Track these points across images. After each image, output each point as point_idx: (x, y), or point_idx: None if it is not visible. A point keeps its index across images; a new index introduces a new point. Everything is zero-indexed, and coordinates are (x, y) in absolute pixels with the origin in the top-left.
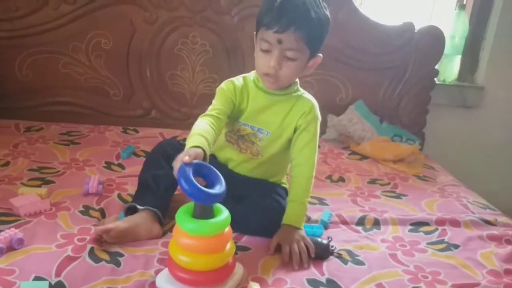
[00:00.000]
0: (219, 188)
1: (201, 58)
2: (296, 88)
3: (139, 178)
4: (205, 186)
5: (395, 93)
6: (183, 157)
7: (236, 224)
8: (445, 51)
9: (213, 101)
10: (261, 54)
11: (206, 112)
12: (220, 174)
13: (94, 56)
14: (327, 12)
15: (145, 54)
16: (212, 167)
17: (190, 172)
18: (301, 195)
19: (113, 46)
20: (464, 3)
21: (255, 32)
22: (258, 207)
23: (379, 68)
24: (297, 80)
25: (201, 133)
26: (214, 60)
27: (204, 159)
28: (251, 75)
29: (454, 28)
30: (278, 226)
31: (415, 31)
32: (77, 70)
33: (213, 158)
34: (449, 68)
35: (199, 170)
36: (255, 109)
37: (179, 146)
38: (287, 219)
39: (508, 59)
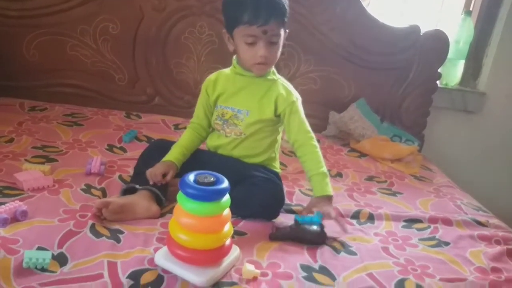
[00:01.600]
0: (224, 182)
1: (207, 48)
2: (271, 71)
3: (135, 167)
4: (210, 184)
5: (398, 94)
6: (154, 171)
7: (236, 206)
8: (449, 55)
9: (196, 105)
10: (247, 47)
11: (192, 121)
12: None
13: (101, 40)
14: None
15: (152, 41)
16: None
17: (191, 180)
18: (317, 166)
19: (121, 31)
20: (471, 9)
21: (225, 30)
22: (256, 187)
23: (383, 68)
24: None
25: (181, 148)
26: (220, 50)
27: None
28: (227, 68)
29: (459, 33)
30: (277, 206)
31: (421, 34)
32: (84, 53)
33: (203, 150)
34: (452, 72)
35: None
36: (232, 91)
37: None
38: (316, 191)
39: (511, 66)
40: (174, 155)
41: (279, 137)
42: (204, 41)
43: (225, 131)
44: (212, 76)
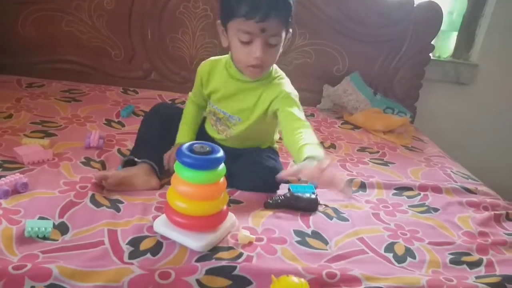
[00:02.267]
0: (219, 152)
1: (202, 22)
2: (269, 73)
3: (137, 135)
4: (206, 153)
5: (391, 66)
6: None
7: (236, 181)
8: (442, 27)
9: (194, 83)
10: (241, 46)
11: (191, 97)
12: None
13: (96, 16)
14: None
15: (147, 16)
16: (204, 142)
17: (187, 149)
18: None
19: (116, 7)
20: None
21: (219, 21)
22: (256, 164)
23: (377, 41)
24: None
25: (189, 126)
26: (215, 25)
27: None
28: (225, 59)
29: (452, 4)
30: (271, 189)
31: (414, 5)
32: (80, 29)
33: (206, 135)
34: (445, 44)
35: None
36: (225, 94)
37: (176, 109)
38: (309, 153)
39: (503, 37)
40: (185, 135)
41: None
42: (199, 15)
43: (217, 128)
44: (206, 65)
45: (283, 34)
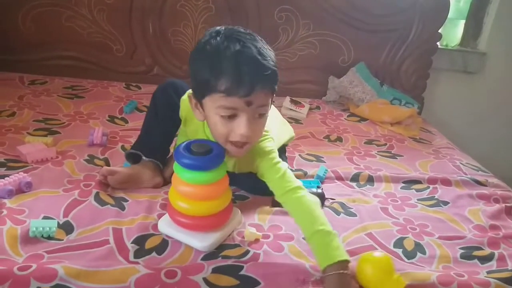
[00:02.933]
0: (218, 150)
1: (204, 15)
2: None
3: (143, 122)
4: (205, 152)
5: (397, 56)
6: None
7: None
8: (450, 15)
9: None
10: (222, 121)
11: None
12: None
13: (96, 10)
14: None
15: (148, 9)
16: (202, 139)
17: (185, 150)
18: (310, 224)
19: (116, 1)
20: None
21: (191, 93)
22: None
23: (383, 30)
24: None
25: None
26: (217, 17)
27: None
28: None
29: None
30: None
31: None
32: (80, 24)
33: None
34: (452, 33)
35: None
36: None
37: (182, 84)
38: (321, 261)
39: None
40: None
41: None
42: (200, 7)
43: None
44: (183, 110)
45: (270, 101)
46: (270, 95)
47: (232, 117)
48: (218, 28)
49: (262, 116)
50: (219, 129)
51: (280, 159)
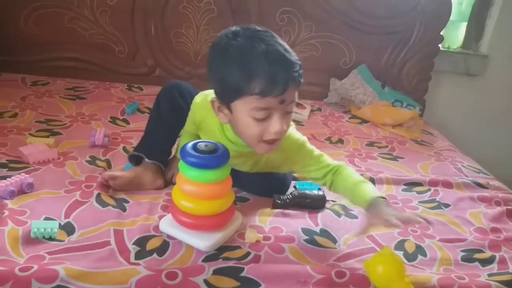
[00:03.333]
0: (223, 150)
1: (206, 17)
2: None
3: (147, 124)
4: (211, 151)
5: (399, 58)
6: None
7: (244, 187)
8: (451, 17)
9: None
10: (255, 123)
11: (185, 131)
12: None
13: (99, 12)
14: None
15: (150, 11)
16: (208, 140)
17: (191, 149)
18: (351, 180)
19: (118, 2)
20: None
21: (214, 98)
22: (262, 186)
23: (385, 33)
24: None
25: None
26: (219, 19)
27: None
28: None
29: None
30: (284, 190)
31: None
32: (82, 26)
33: None
34: (454, 35)
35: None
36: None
37: (187, 86)
38: (362, 200)
39: None
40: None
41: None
42: (202, 9)
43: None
44: (200, 110)
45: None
46: (298, 88)
47: (265, 119)
48: (233, 29)
49: (291, 112)
50: (252, 130)
51: (313, 146)
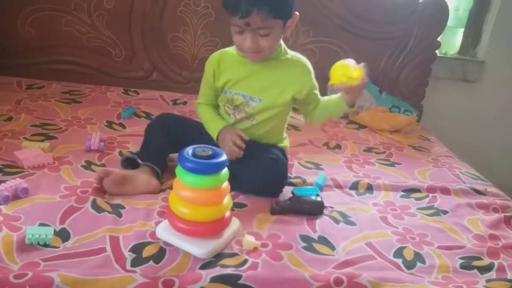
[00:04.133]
0: (221, 156)
1: (203, 21)
2: (280, 50)
3: (141, 144)
4: (209, 157)
5: (396, 64)
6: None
7: (239, 184)
8: (448, 23)
9: (201, 83)
10: (236, 35)
11: (200, 101)
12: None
13: (96, 15)
14: None
15: (148, 14)
16: (206, 145)
17: (189, 154)
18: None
19: (115, 6)
20: None
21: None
22: (259, 167)
23: (382, 38)
24: (281, 42)
25: (211, 117)
26: (216, 23)
27: None
28: (232, 47)
29: (458, 0)
30: (279, 185)
31: (420, 1)
32: (79, 29)
33: None
34: (451, 41)
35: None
36: (242, 75)
37: (176, 118)
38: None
39: (511, 33)
40: (219, 119)
41: (288, 116)
42: (200, 13)
43: (235, 116)
44: (215, 57)
45: (276, 23)
46: (269, 19)
47: (241, 33)
48: None
49: (266, 35)
50: (236, 41)
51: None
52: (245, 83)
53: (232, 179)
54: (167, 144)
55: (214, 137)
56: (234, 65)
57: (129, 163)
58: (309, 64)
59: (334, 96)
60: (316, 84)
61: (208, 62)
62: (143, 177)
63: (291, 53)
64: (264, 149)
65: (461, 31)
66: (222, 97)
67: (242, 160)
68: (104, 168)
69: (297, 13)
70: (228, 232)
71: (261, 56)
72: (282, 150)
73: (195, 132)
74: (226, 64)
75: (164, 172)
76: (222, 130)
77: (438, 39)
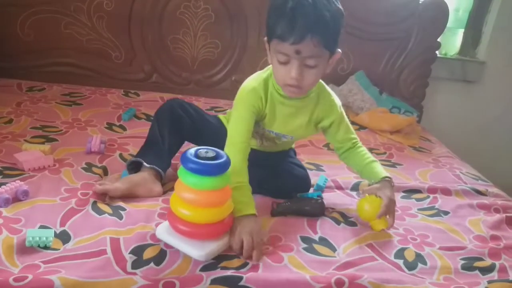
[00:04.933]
0: (224, 157)
1: (203, 22)
2: (316, 89)
3: (148, 133)
4: (211, 158)
5: (396, 65)
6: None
7: (262, 189)
8: (448, 24)
9: (237, 119)
10: (279, 65)
11: (238, 144)
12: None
13: (96, 18)
14: (339, 5)
15: (147, 16)
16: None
17: (192, 155)
18: (366, 157)
19: (115, 8)
20: None
21: (266, 38)
22: (290, 176)
23: (382, 39)
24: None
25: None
26: (216, 25)
27: None
28: (270, 77)
29: (458, 1)
30: (307, 188)
31: (420, 2)
32: (79, 31)
33: None
34: (451, 42)
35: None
36: (278, 117)
37: (188, 107)
38: (376, 175)
39: (510, 34)
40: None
41: None
42: (200, 15)
43: (262, 143)
44: (258, 89)
45: (324, 55)
46: (320, 47)
47: (286, 63)
48: None
49: (313, 68)
50: (277, 72)
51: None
52: (281, 124)
53: (257, 186)
54: (177, 137)
55: (238, 213)
56: (272, 104)
57: (134, 165)
58: (336, 99)
59: (376, 176)
60: (346, 120)
61: (251, 96)
62: (144, 186)
63: (326, 89)
64: (285, 162)
65: (461, 32)
66: (255, 126)
67: (266, 172)
68: (102, 187)
69: (339, 50)
70: (228, 235)
71: (302, 92)
72: (294, 150)
73: (208, 132)
74: (270, 100)
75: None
76: (251, 217)
77: (438, 40)
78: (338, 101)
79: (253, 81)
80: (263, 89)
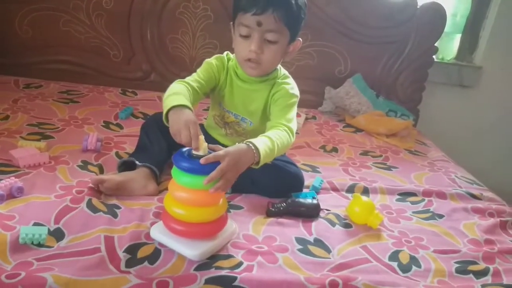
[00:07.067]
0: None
1: (202, 23)
2: (275, 75)
3: (137, 143)
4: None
5: (394, 68)
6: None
7: (256, 188)
8: (446, 29)
9: (197, 71)
10: (240, 40)
11: (186, 79)
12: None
13: (95, 16)
14: None
15: (147, 15)
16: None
17: (185, 154)
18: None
19: (114, 6)
20: None
21: (232, 22)
22: (281, 170)
23: (380, 42)
24: (278, 67)
25: (182, 93)
26: (215, 25)
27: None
28: (231, 60)
29: (456, 6)
30: (300, 185)
31: (418, 7)
32: (78, 29)
33: (207, 134)
34: (449, 46)
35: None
36: (236, 97)
37: None
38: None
39: (507, 39)
40: (184, 100)
41: None
42: (199, 15)
43: (226, 131)
44: (222, 59)
45: (285, 34)
46: (281, 23)
47: (247, 37)
48: None
49: (273, 44)
50: (238, 47)
51: (295, 109)
52: (238, 104)
53: (250, 184)
54: (165, 144)
55: (167, 109)
56: (234, 84)
57: (127, 166)
58: (293, 89)
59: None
60: (291, 110)
61: (221, 63)
62: (139, 182)
63: (284, 74)
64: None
65: (458, 37)
66: (217, 110)
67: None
68: (98, 176)
69: (300, 39)
70: (223, 234)
71: (260, 69)
72: None
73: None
74: (230, 78)
75: (162, 171)
76: (184, 108)
77: (436, 44)
78: (294, 92)
79: (218, 56)
80: (225, 64)
